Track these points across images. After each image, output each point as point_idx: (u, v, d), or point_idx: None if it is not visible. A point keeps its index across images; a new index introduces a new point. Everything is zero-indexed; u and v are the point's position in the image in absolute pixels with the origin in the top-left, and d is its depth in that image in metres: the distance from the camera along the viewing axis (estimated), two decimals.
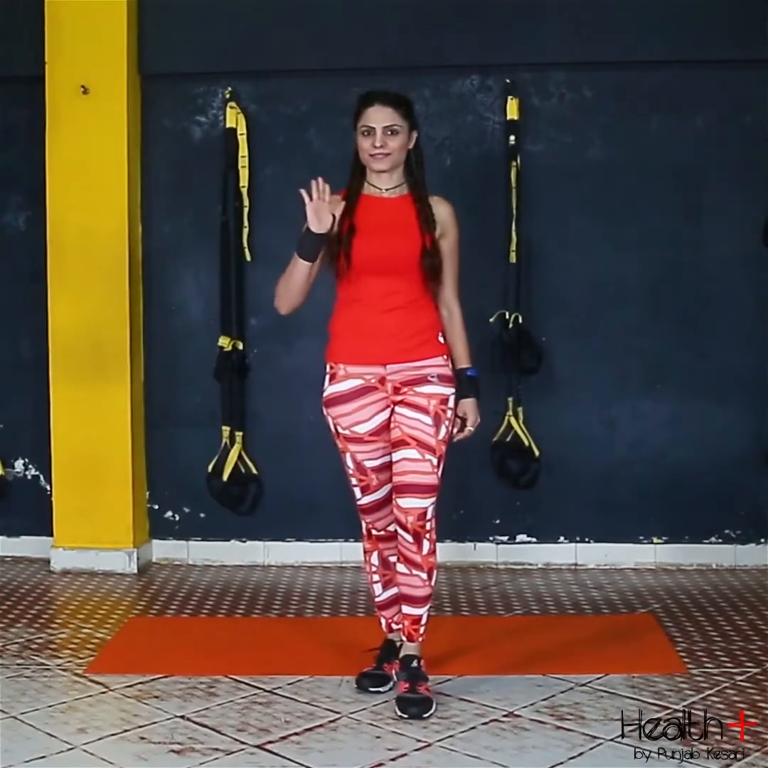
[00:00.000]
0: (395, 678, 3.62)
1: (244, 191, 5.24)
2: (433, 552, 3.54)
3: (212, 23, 5.20)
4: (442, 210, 3.63)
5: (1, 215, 5.46)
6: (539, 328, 5.17)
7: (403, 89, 5.11)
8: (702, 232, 5.18)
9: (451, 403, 3.56)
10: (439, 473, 3.52)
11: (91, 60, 5.09)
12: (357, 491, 3.66)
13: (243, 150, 5.22)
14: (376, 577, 3.73)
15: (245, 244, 5.25)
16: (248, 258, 5.26)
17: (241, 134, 5.23)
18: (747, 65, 5.00)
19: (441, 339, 3.60)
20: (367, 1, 5.16)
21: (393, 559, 3.66)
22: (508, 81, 5.14)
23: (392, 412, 3.56)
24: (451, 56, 5.15)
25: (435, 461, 3.51)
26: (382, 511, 3.65)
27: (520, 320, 5.10)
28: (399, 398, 3.54)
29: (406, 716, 3.40)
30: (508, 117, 5.13)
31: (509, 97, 5.13)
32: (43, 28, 5.10)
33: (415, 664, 3.55)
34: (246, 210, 5.25)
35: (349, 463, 3.67)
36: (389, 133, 3.52)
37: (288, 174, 5.28)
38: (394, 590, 3.70)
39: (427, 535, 3.51)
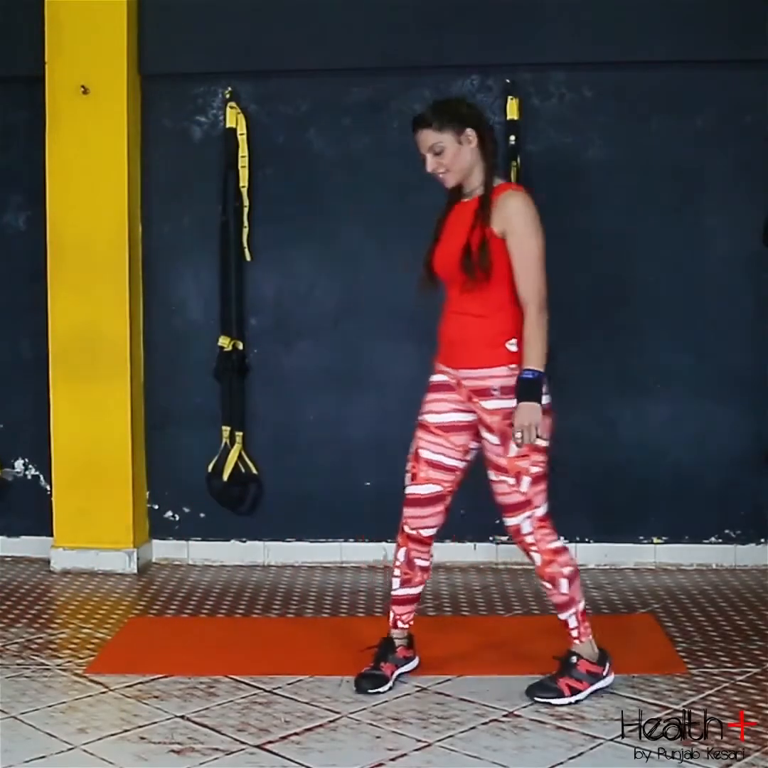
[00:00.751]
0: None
1: (244, 191, 5.24)
2: (549, 562, 3.56)
3: (212, 23, 5.20)
4: (505, 203, 3.48)
5: (1, 215, 5.47)
6: None
7: (403, 89, 5.21)
8: (702, 232, 5.17)
9: None
10: (524, 488, 3.53)
11: (91, 60, 5.09)
12: (407, 478, 3.68)
13: (243, 150, 5.22)
14: (396, 572, 3.75)
15: (245, 244, 5.25)
16: (248, 258, 5.26)
17: (241, 134, 5.22)
18: (747, 65, 5.00)
19: (512, 347, 3.51)
20: (367, 1, 5.16)
21: (419, 563, 3.73)
22: (508, 81, 5.14)
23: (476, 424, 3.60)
24: (451, 56, 5.14)
25: (511, 480, 3.54)
26: (421, 510, 3.67)
27: None
28: (473, 409, 3.58)
29: (528, 694, 3.53)
30: (508, 117, 5.12)
31: (509, 97, 5.13)
32: (43, 28, 5.10)
33: (570, 658, 3.58)
34: (246, 210, 5.24)
35: (411, 447, 3.68)
36: (435, 153, 3.51)
37: (288, 174, 5.29)
38: (411, 590, 3.73)
39: (533, 548, 3.57)
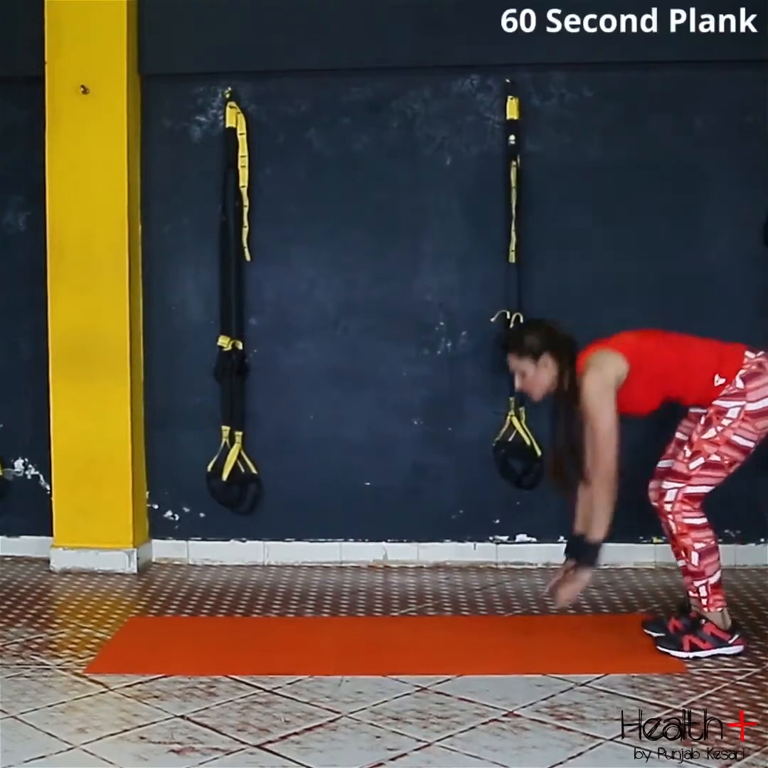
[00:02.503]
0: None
1: (244, 191, 5.24)
2: (683, 534, 3.88)
3: (212, 23, 5.20)
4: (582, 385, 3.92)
5: (1, 215, 5.46)
6: None
7: (403, 89, 5.21)
8: (702, 231, 5.17)
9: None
10: (692, 465, 3.90)
11: (91, 60, 5.09)
12: None
13: (243, 150, 5.22)
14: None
15: (245, 244, 5.25)
16: (248, 258, 5.26)
17: (241, 134, 5.23)
18: (747, 65, 5.00)
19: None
20: (367, 1, 5.16)
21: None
22: (508, 81, 5.14)
23: None
24: (451, 56, 5.14)
25: (688, 452, 3.92)
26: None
27: (521, 320, 5.10)
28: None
29: (655, 643, 3.94)
30: (508, 117, 5.13)
31: (509, 97, 5.13)
32: (43, 28, 5.09)
33: (699, 620, 3.91)
34: (246, 210, 5.24)
35: None
36: (520, 375, 3.98)
37: (288, 174, 5.29)
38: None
39: (670, 517, 3.91)
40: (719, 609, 3.91)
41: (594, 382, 3.85)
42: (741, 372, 3.89)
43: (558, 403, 3.97)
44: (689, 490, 3.88)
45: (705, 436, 3.88)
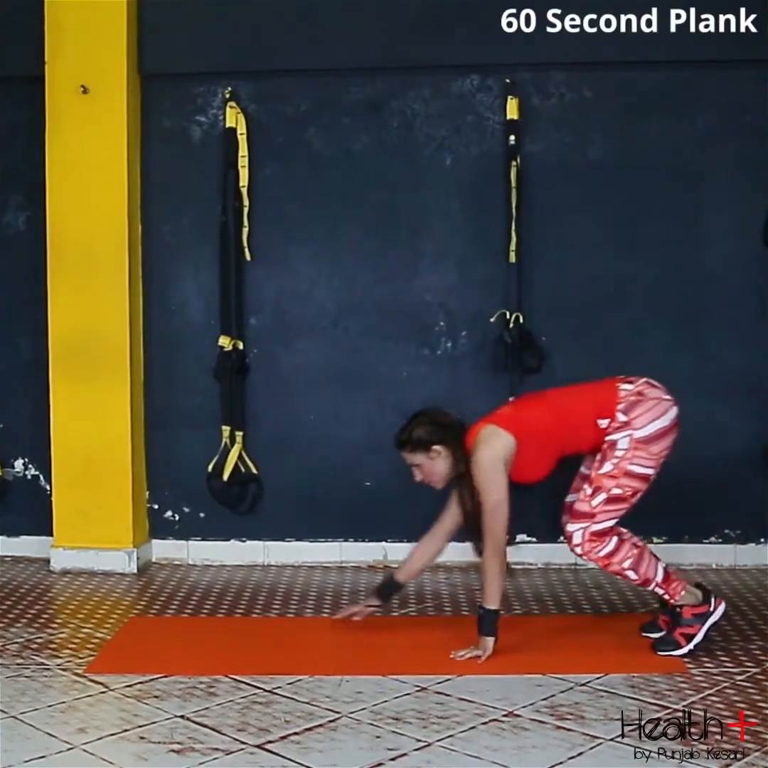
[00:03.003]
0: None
1: (244, 191, 5.24)
2: (606, 565, 3.95)
3: (212, 23, 5.20)
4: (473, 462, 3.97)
5: (1, 215, 5.46)
6: (539, 328, 5.17)
7: (403, 89, 5.21)
8: (702, 232, 5.17)
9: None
10: (594, 502, 3.93)
11: (91, 60, 5.09)
12: None
13: (243, 150, 5.22)
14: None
15: (245, 244, 5.25)
16: (248, 258, 5.26)
17: (241, 134, 5.23)
18: (747, 65, 5.00)
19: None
20: (367, 1, 5.16)
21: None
22: (508, 81, 5.14)
23: None
24: (451, 56, 5.15)
25: (588, 490, 3.95)
26: None
27: (521, 320, 5.10)
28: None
29: (653, 650, 3.94)
30: (508, 117, 5.13)
31: (509, 97, 5.13)
32: (43, 28, 5.10)
33: (675, 609, 3.97)
34: (246, 210, 5.24)
35: None
36: (416, 468, 4.03)
37: (288, 174, 5.29)
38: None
39: (585, 558, 3.99)
40: (681, 591, 3.95)
41: (483, 458, 3.90)
42: (620, 406, 3.92)
43: (461, 489, 4.01)
44: (595, 527, 3.90)
45: (602, 471, 3.91)
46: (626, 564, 3.91)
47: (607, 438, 3.92)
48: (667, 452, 3.98)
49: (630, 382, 4.00)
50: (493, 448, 3.91)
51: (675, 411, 4.00)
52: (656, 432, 3.91)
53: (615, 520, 3.93)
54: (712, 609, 3.95)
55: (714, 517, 5.23)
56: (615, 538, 3.92)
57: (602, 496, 3.90)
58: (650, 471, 3.93)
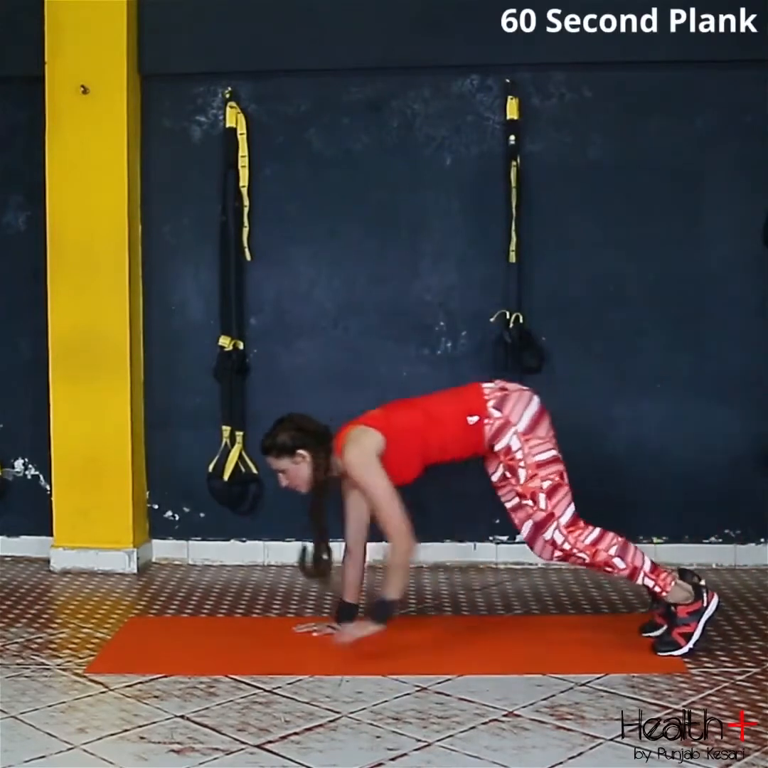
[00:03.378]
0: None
1: (244, 191, 5.24)
2: (594, 554, 3.92)
3: (212, 23, 5.20)
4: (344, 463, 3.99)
5: (1, 215, 5.46)
6: (539, 328, 5.17)
7: (403, 89, 5.22)
8: (702, 232, 5.17)
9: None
10: (542, 505, 3.95)
11: (91, 60, 5.09)
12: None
13: (243, 150, 5.23)
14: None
15: (245, 244, 5.25)
16: (248, 258, 5.27)
17: (241, 134, 5.23)
18: (747, 65, 5.00)
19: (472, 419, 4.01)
20: (367, 1, 5.16)
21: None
22: (508, 81, 5.14)
23: None
24: (451, 56, 5.15)
25: (529, 503, 3.98)
26: None
27: (521, 320, 5.10)
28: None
29: (653, 651, 3.92)
30: (508, 117, 5.13)
31: (509, 97, 5.13)
32: (43, 28, 5.10)
33: (670, 609, 3.95)
34: (246, 210, 5.25)
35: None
36: (282, 474, 4.04)
37: (288, 174, 5.29)
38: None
39: (575, 551, 3.95)
40: (671, 584, 3.92)
41: (356, 455, 3.90)
42: (490, 403, 3.97)
43: (316, 493, 4.02)
44: (563, 520, 3.93)
45: (523, 480, 3.94)
46: (613, 551, 3.91)
47: (496, 448, 3.96)
48: (553, 434, 4.00)
49: (490, 381, 4.08)
50: (363, 444, 3.92)
51: (537, 398, 4.04)
52: (532, 419, 3.96)
53: (571, 504, 3.95)
54: (705, 604, 3.92)
55: (714, 517, 5.23)
56: (598, 529, 3.94)
57: (542, 496, 3.92)
58: (552, 452, 3.96)
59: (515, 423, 3.94)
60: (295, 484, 4.05)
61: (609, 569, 3.95)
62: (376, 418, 4.02)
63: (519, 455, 3.94)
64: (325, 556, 4.03)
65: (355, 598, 4.21)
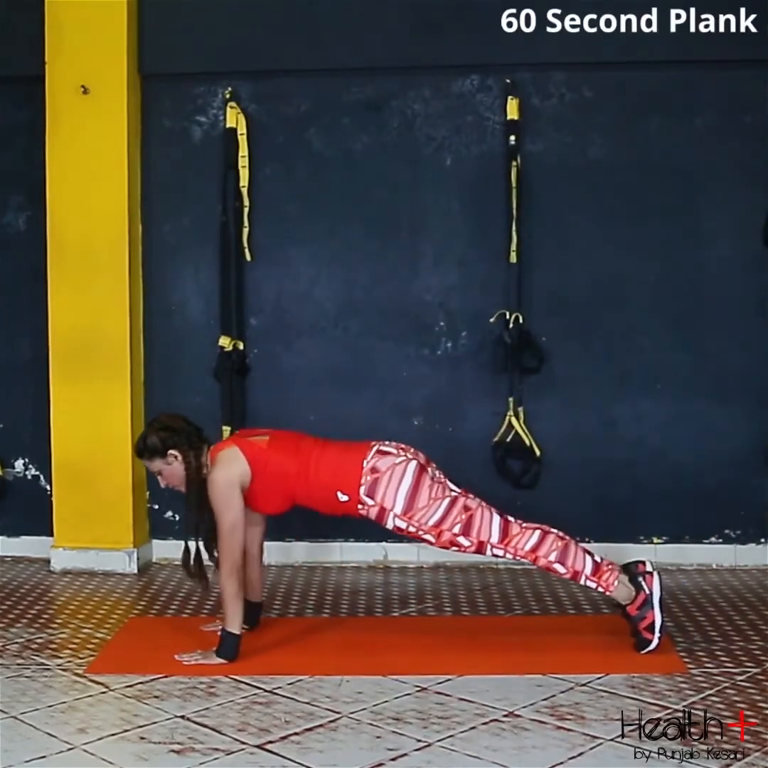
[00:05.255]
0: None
1: (244, 191, 5.24)
2: (534, 559, 3.92)
3: (212, 23, 5.20)
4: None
5: (1, 215, 5.47)
6: (539, 328, 5.17)
7: (403, 89, 5.22)
8: (702, 232, 5.18)
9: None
10: (466, 543, 3.91)
11: (91, 60, 5.09)
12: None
13: (243, 150, 5.23)
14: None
15: (245, 244, 5.25)
16: (248, 258, 5.27)
17: (241, 134, 5.23)
18: (747, 65, 5.00)
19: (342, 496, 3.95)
20: (367, 1, 5.16)
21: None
22: (508, 81, 5.15)
23: None
24: (451, 56, 5.15)
25: (456, 548, 3.96)
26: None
27: (521, 320, 5.10)
28: None
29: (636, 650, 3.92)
30: (508, 117, 5.13)
31: (509, 97, 5.13)
32: (43, 28, 5.10)
33: (625, 609, 3.95)
34: (246, 210, 5.25)
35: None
36: (158, 474, 4.04)
37: (288, 174, 5.29)
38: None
39: (518, 558, 3.98)
40: (614, 583, 3.91)
41: (218, 480, 3.88)
42: (362, 490, 3.87)
43: (190, 492, 4.00)
44: (493, 539, 3.89)
45: (433, 541, 3.91)
46: (552, 556, 3.89)
47: (386, 527, 3.91)
48: (442, 478, 3.96)
49: (384, 443, 3.97)
50: (229, 472, 3.88)
51: (413, 464, 3.91)
52: (408, 496, 3.86)
53: (494, 520, 3.89)
54: (648, 591, 3.90)
55: (714, 517, 5.23)
56: (538, 532, 3.91)
57: (461, 538, 3.87)
58: (444, 503, 3.88)
59: (391, 508, 3.86)
60: (173, 484, 4.04)
61: (551, 573, 3.98)
62: (256, 449, 3.94)
63: (412, 529, 3.89)
64: (204, 556, 4.04)
65: (257, 596, 4.24)
